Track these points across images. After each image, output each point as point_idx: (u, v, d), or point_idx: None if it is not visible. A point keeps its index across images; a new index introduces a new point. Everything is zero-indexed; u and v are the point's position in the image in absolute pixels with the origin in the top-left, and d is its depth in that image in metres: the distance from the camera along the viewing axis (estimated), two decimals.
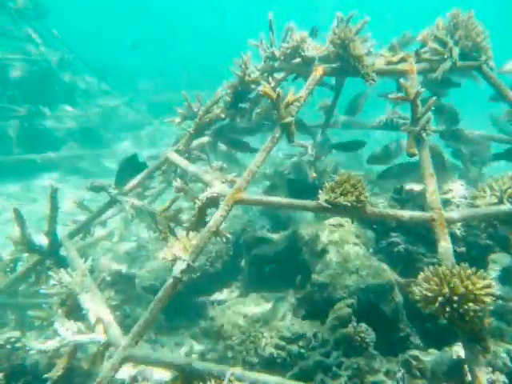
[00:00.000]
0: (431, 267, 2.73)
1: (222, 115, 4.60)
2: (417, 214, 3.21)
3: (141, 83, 20.48)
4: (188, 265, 3.08)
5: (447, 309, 2.51)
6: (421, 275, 2.78)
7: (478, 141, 5.64)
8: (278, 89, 3.75)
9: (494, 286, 2.52)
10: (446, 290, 2.51)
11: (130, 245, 6.11)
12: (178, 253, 3.14)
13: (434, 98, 3.46)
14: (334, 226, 4.65)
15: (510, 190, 3.32)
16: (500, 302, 3.78)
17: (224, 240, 3.59)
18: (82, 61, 16.53)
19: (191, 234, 3.46)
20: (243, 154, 5.22)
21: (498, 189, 3.37)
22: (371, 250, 4.55)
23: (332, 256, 4.22)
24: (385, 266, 4.13)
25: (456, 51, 3.88)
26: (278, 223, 5.65)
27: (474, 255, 4.28)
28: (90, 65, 16.97)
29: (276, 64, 4.45)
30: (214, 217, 3.48)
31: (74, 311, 3.10)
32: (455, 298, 2.48)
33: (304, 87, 4.00)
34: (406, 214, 3.22)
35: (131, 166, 4.84)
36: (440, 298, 2.53)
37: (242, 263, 5.26)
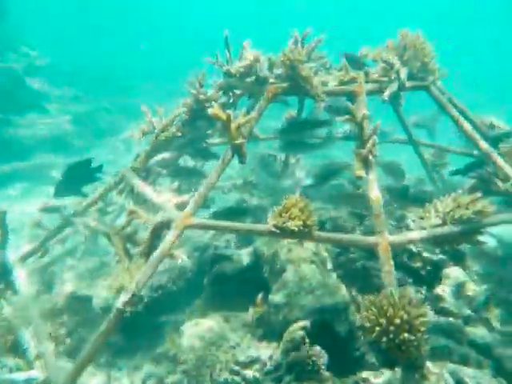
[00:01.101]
0: (370, 296, 2.75)
1: (179, 133, 4.56)
2: (362, 238, 3.24)
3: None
4: (133, 295, 3.04)
5: (384, 339, 2.53)
6: (362, 303, 2.80)
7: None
8: (228, 111, 3.75)
9: (428, 315, 2.55)
10: (383, 320, 2.54)
11: (93, 261, 5.99)
12: (123, 282, 3.10)
13: (379, 122, 3.49)
14: (292, 243, 4.66)
15: (452, 213, 3.38)
16: (450, 319, 3.85)
17: (180, 262, 3.57)
18: (53, 66, 16.21)
19: (140, 260, 3.42)
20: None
21: (441, 210, 3.43)
22: (330, 266, 4.58)
23: (289, 275, 4.23)
24: (340, 285, 4.15)
25: (404, 72, 3.93)
26: (246, 237, 5.64)
27: (429, 270, 4.35)
28: (62, 69, 16.66)
29: (232, 81, 4.45)
30: (164, 243, 3.45)
31: (15, 346, 3.02)
32: (391, 328, 2.51)
33: (256, 107, 4.00)
34: (352, 238, 3.25)
35: (80, 173, 4.51)
36: (377, 328, 2.55)
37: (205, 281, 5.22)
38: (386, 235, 3.21)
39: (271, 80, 4.14)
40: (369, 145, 3.53)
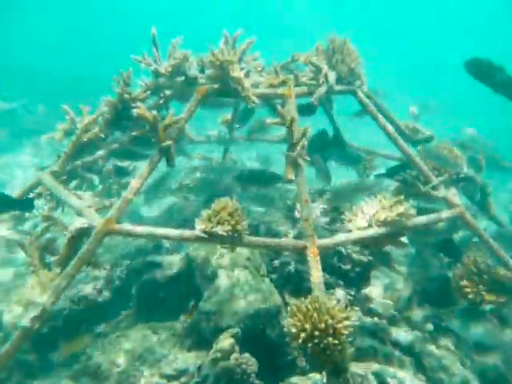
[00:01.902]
0: (297, 302, 2.72)
1: (102, 135, 4.28)
2: (291, 242, 3.21)
3: None
4: (42, 310, 2.76)
5: (310, 344, 2.49)
6: (289, 309, 2.75)
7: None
8: (154, 111, 3.57)
9: (352, 318, 2.55)
10: (308, 325, 2.50)
11: (7, 273, 5.47)
12: (33, 296, 2.81)
13: (308, 125, 3.49)
14: (225, 248, 4.55)
15: (377, 215, 3.46)
16: (375, 319, 3.94)
17: (101, 271, 3.32)
18: None
19: (54, 271, 3.13)
20: None
21: (367, 213, 3.50)
22: (264, 271, 4.53)
23: (221, 281, 4.11)
24: (273, 289, 4.10)
25: (333, 76, 3.98)
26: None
27: (358, 272, 4.44)
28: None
29: (161, 81, 4.26)
30: (82, 251, 3.19)
31: None
32: (316, 333, 2.47)
33: (186, 108, 3.85)
34: (282, 242, 3.21)
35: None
36: (303, 334, 2.50)
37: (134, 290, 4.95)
38: (315, 239, 3.20)
39: (201, 80, 4.01)
40: (298, 148, 3.51)
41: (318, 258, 3.11)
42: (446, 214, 3.82)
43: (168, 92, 4.45)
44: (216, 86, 3.87)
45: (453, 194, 4.06)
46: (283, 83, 3.88)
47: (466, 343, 3.98)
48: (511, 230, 5.50)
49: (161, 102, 4.49)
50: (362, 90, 4.18)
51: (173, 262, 4.81)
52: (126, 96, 4.00)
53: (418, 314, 4.08)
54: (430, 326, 3.97)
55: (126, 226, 3.35)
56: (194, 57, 4.20)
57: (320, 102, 3.89)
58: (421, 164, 4.12)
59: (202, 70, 4.15)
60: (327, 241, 3.28)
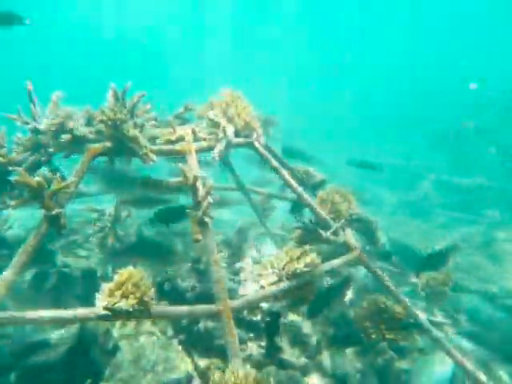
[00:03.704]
0: (218, 373, 2.56)
1: None
2: (203, 308, 3.04)
3: None
4: None
5: None
6: (211, 379, 2.58)
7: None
8: (38, 177, 3.15)
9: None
10: None
11: None
12: None
13: (211, 182, 3.43)
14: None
15: (287, 267, 3.50)
16: (289, 371, 3.92)
17: None
18: None
19: None
20: None
21: (277, 266, 3.52)
22: (171, 333, 4.22)
23: (124, 354, 3.72)
24: (182, 354, 3.85)
25: (231, 129, 4.01)
26: None
27: (268, 322, 4.40)
28: None
29: (42, 138, 3.82)
30: None
31: None
32: None
33: (74, 172, 3.48)
34: (194, 310, 3.02)
35: None
36: None
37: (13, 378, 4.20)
38: (228, 302, 3.09)
39: (91, 136, 3.70)
40: (204, 206, 3.41)
41: (232, 322, 3.00)
42: (346, 257, 4.03)
43: (51, 149, 4.01)
44: (109, 144, 3.60)
45: (350, 237, 4.33)
46: (181, 139, 3.78)
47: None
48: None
49: (43, 159, 4.03)
50: (259, 142, 4.27)
51: (64, 338, 4.22)
52: (1, 159, 3.49)
53: (327, 355, 4.17)
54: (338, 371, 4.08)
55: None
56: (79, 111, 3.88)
57: (220, 156, 3.87)
58: (318, 210, 4.32)
59: (88, 124, 3.85)
60: (240, 302, 3.19)
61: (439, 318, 4.61)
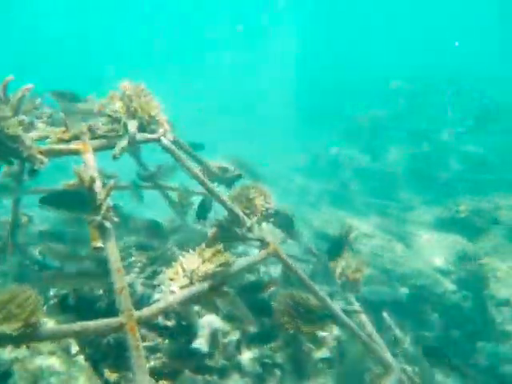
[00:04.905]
0: None
1: None
2: (102, 323, 2.76)
3: None
4: None
5: None
6: None
7: None
8: None
9: None
10: None
11: None
12: None
13: (112, 183, 3.14)
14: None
15: (197, 270, 3.33)
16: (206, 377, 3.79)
17: None
18: None
19: None
20: None
21: (188, 269, 3.34)
22: (76, 349, 3.86)
23: (17, 381, 3.31)
24: (89, 372, 3.53)
25: (134, 125, 3.72)
26: None
27: (183, 326, 4.22)
28: None
29: None
30: None
31: None
32: None
33: None
34: (95, 325, 2.74)
35: None
36: None
37: None
38: (132, 312, 2.85)
39: None
40: (103, 210, 3.11)
41: (138, 334, 2.77)
42: (262, 254, 3.96)
43: None
44: None
45: (267, 232, 4.27)
46: (76, 137, 3.42)
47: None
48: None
49: None
50: (166, 137, 4.02)
51: None
52: None
53: (247, 357, 4.09)
54: (258, 369, 4.02)
55: None
56: None
57: (123, 153, 3.56)
58: (233, 206, 4.19)
59: None
60: (147, 311, 2.96)
61: (356, 306, 4.73)
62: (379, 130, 13.64)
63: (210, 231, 4.23)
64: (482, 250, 6.81)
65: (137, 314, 2.87)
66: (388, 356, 4.10)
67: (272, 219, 4.78)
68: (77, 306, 3.97)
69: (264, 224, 4.57)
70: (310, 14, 30.94)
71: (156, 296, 4.19)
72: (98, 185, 3.17)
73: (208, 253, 3.48)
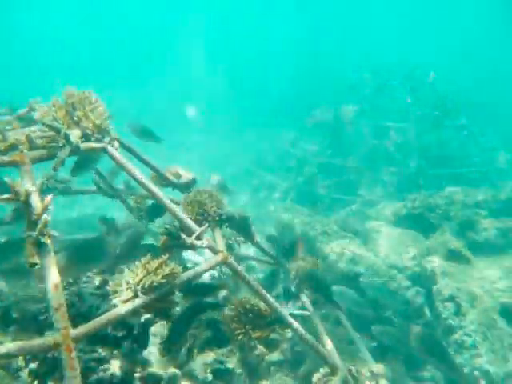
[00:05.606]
0: None
1: None
2: (36, 343, 2.70)
3: None
4: None
5: None
6: None
7: None
8: None
9: None
10: None
11: None
12: None
13: (50, 196, 3.05)
14: None
15: (142, 282, 3.30)
16: None
17: None
18: None
19: None
20: None
21: (132, 282, 3.30)
22: (19, 363, 3.77)
23: None
24: None
25: (77, 135, 3.62)
26: None
27: (137, 334, 4.19)
28: None
29: None
30: None
31: None
32: None
33: None
34: (24, 345, 2.67)
35: None
36: None
37: None
38: (68, 331, 2.79)
39: None
40: (40, 225, 3.02)
41: (74, 354, 2.73)
42: (211, 262, 3.95)
43: None
44: None
45: (219, 239, 4.27)
46: (13, 148, 3.30)
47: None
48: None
49: None
50: (113, 146, 3.94)
51: None
52: None
53: (198, 363, 4.11)
54: (209, 376, 4.05)
55: None
56: None
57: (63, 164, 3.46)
58: (181, 214, 4.16)
59: None
60: (86, 328, 2.91)
61: (308, 304, 4.78)
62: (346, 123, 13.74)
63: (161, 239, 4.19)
64: (434, 245, 7.03)
65: (73, 332, 2.81)
66: (335, 357, 4.19)
67: (227, 224, 4.78)
68: (20, 319, 3.87)
69: (218, 229, 4.57)
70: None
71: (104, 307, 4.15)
72: (34, 199, 3.08)
73: (153, 265, 3.45)
